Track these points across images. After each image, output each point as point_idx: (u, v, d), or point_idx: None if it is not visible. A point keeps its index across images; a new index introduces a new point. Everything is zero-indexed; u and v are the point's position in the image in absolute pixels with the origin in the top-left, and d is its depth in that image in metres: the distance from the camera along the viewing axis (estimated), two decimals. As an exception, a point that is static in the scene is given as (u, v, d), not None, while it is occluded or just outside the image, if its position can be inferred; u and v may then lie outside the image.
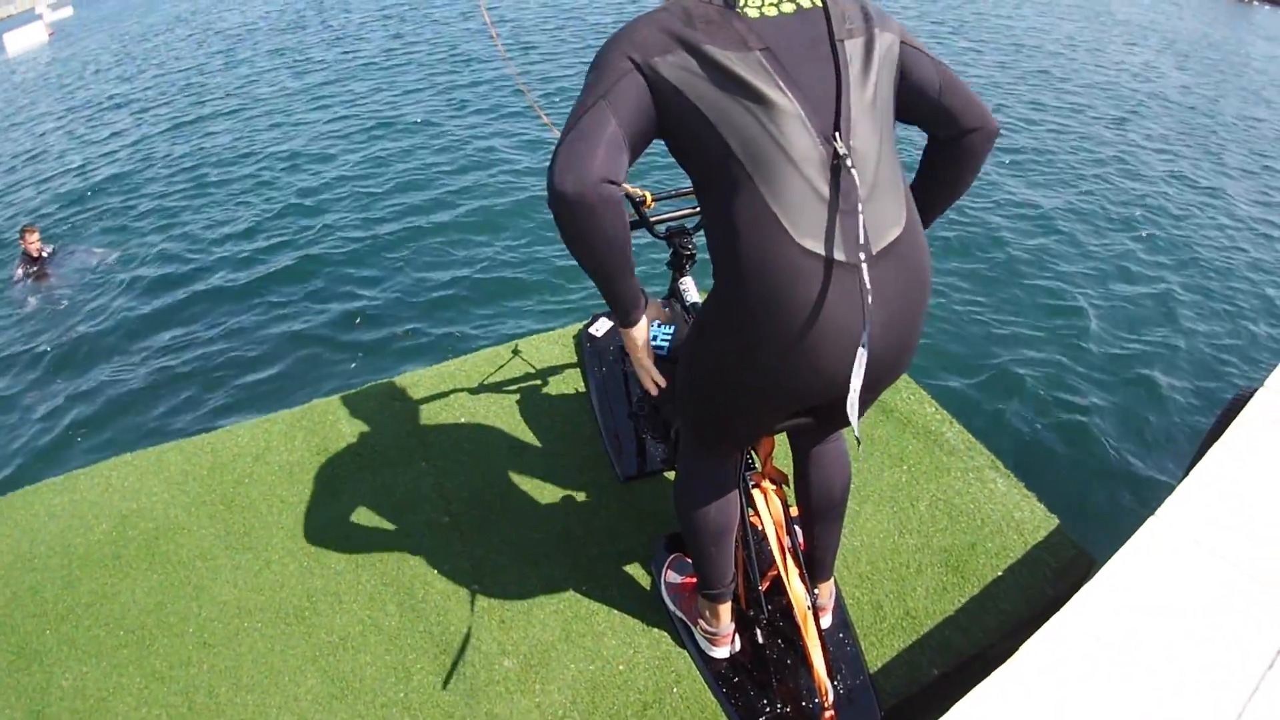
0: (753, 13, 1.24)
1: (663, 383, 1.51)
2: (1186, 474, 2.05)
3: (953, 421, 2.59)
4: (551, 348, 2.91)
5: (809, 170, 1.20)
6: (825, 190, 1.21)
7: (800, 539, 1.86)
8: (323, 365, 4.14)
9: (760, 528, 1.85)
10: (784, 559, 1.74)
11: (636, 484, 2.37)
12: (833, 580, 1.94)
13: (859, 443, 1.86)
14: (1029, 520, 2.25)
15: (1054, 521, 2.25)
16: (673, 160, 1.31)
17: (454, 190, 6.10)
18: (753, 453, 1.87)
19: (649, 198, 1.96)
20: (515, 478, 2.40)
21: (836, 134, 1.21)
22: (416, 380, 2.75)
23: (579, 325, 2.98)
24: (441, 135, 7.22)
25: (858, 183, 1.20)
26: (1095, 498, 3.44)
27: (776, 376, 1.29)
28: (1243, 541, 1.81)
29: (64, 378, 4.40)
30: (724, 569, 1.74)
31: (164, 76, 11.00)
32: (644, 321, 1.43)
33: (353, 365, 4.06)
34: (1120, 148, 7.42)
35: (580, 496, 2.35)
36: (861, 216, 1.20)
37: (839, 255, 1.20)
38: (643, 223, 1.94)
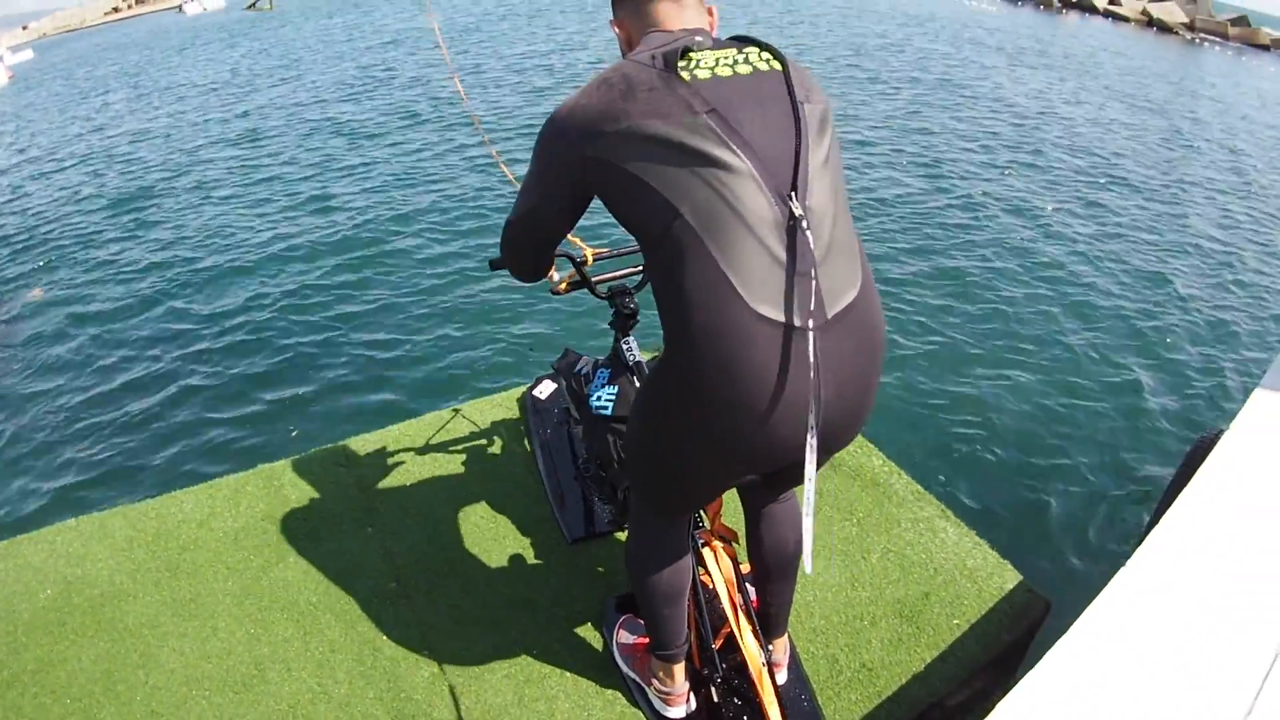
0: (702, 74, 1.23)
1: None
2: (1156, 521, 2.07)
3: (901, 473, 2.63)
4: (495, 410, 2.91)
5: (763, 232, 1.18)
6: (781, 253, 1.18)
7: (753, 595, 1.86)
8: (264, 430, 4.09)
9: (711, 585, 1.83)
10: (736, 616, 1.74)
11: (585, 545, 2.35)
12: (787, 636, 1.93)
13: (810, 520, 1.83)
14: (981, 567, 2.28)
15: (1006, 566, 2.28)
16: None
17: (395, 253, 6.13)
18: (701, 511, 1.88)
19: (589, 255, 1.93)
20: (463, 541, 2.37)
21: (793, 194, 1.20)
22: (361, 444, 2.73)
23: (522, 388, 3.00)
24: (385, 199, 7.27)
25: (812, 245, 1.18)
26: (1048, 541, 3.48)
27: (730, 442, 1.26)
28: (1215, 591, 1.82)
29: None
30: (677, 629, 1.72)
31: (114, 127, 11.05)
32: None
33: (293, 433, 4.01)
34: (1071, 193, 7.74)
35: (529, 559, 2.32)
36: (815, 281, 1.18)
37: (796, 321, 1.18)
38: (584, 282, 1.93)
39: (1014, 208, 7.21)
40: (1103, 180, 8.30)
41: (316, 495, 2.51)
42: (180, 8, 34.25)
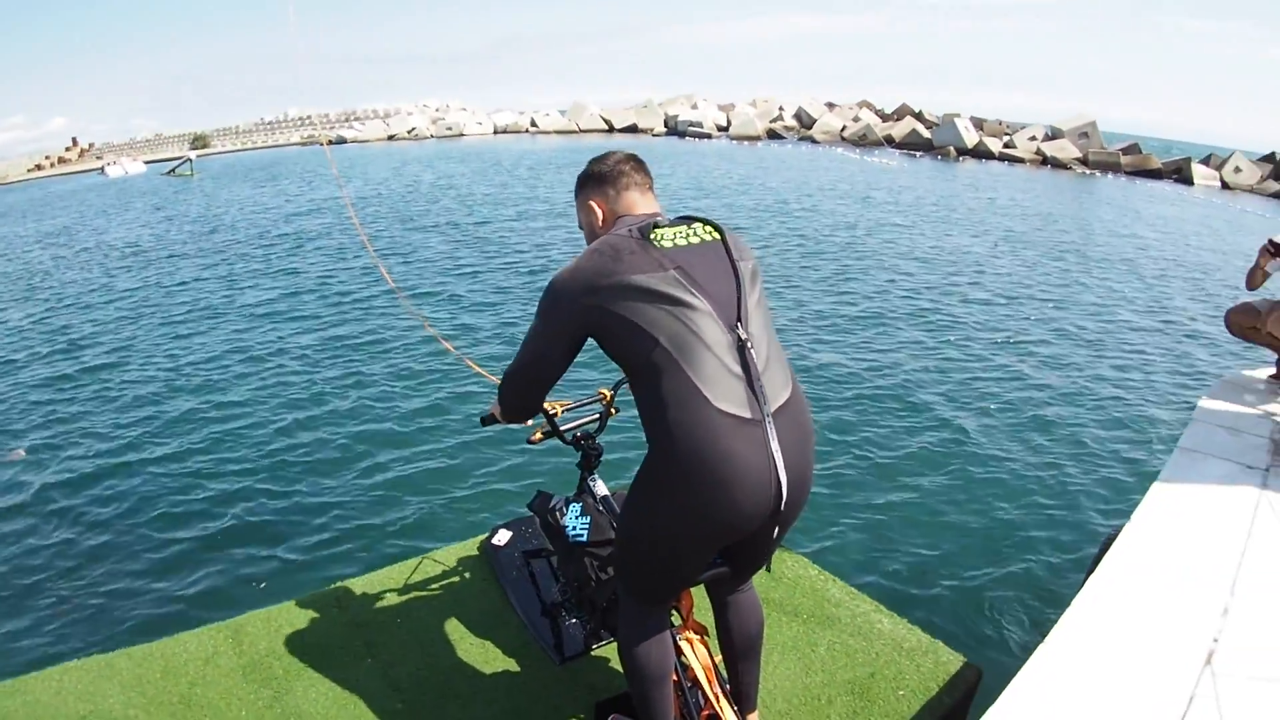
0: (666, 244, 1.71)
1: None
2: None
3: (835, 579, 3.03)
4: (461, 553, 3.18)
5: (720, 352, 1.61)
6: (735, 367, 1.62)
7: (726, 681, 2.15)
8: (233, 579, 4.15)
9: (691, 674, 2.09)
10: (718, 700, 2.01)
11: (570, 663, 2.60)
12: (757, 712, 2.20)
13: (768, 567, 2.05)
14: (917, 647, 2.66)
15: (939, 644, 2.67)
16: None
17: (348, 407, 6.41)
18: (675, 609, 2.18)
19: (559, 409, 2.35)
20: (458, 665, 2.58)
21: (739, 324, 1.66)
22: (345, 588, 2.93)
23: (480, 536, 3.28)
24: (331, 357, 7.64)
25: (755, 359, 1.64)
26: (972, 619, 3.92)
27: (706, 515, 1.61)
28: (1130, 656, 2.23)
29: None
30: (665, 710, 1.97)
31: (46, 289, 11.08)
32: None
33: (263, 585, 4.08)
34: (979, 321, 8.91)
35: (520, 677, 2.55)
36: (761, 384, 1.62)
37: (749, 414, 1.59)
38: (554, 432, 2.34)
39: (926, 337, 8.27)
40: (1003, 303, 9.70)
41: (315, 633, 2.68)
42: (102, 169, 34.29)
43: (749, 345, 1.65)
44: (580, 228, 2.00)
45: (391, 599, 2.88)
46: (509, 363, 1.89)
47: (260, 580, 4.13)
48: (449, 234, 13.93)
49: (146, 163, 36.06)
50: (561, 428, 2.35)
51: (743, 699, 2.11)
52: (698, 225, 1.81)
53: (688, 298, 1.64)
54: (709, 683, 2.02)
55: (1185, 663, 2.20)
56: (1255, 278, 4.48)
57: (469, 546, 3.22)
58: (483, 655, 2.64)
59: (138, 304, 9.93)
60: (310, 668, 2.53)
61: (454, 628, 2.76)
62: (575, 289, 1.69)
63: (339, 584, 2.96)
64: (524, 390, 1.89)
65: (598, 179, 1.92)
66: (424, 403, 6.50)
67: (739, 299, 1.70)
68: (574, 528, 2.29)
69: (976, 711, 2.57)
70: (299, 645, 2.63)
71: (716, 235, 1.80)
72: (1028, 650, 3.72)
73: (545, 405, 2.27)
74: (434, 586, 2.98)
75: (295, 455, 5.60)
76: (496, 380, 3.73)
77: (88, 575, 4.25)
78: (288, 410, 6.38)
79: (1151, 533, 2.89)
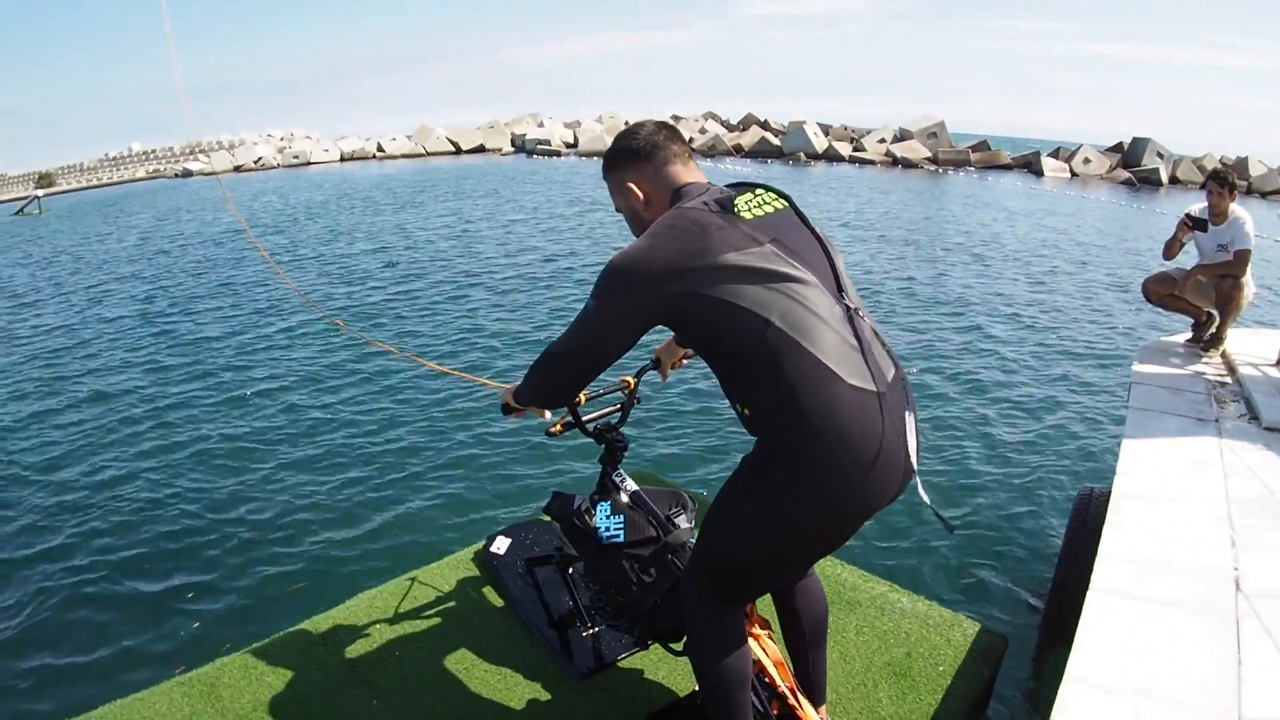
0: (747, 215, 1.54)
1: None
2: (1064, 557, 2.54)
3: (844, 563, 2.96)
4: (453, 570, 2.93)
5: (836, 325, 1.48)
6: (851, 338, 1.49)
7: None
8: (197, 623, 3.74)
9: (759, 666, 1.94)
10: (795, 694, 1.89)
11: (593, 677, 2.40)
12: (826, 705, 2.07)
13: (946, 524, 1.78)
14: (941, 622, 2.61)
15: (961, 617, 2.64)
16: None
17: (302, 429, 6.05)
18: None
19: (581, 397, 2.11)
20: (474, 695, 2.35)
21: (842, 293, 1.54)
22: (324, 622, 2.63)
23: (472, 547, 3.06)
24: (296, 366, 7.30)
25: (868, 328, 1.53)
26: (972, 584, 4.00)
27: (850, 501, 1.48)
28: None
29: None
30: (747, 714, 1.81)
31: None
32: None
33: (232, 627, 3.68)
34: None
35: (542, 698, 2.34)
36: (874, 355, 1.51)
37: (873, 386, 1.47)
38: (576, 423, 2.13)
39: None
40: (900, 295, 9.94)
41: (302, 677, 2.37)
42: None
43: (858, 313, 1.53)
44: (619, 211, 1.79)
45: (383, 628, 2.59)
46: (548, 343, 1.69)
47: (227, 621, 3.74)
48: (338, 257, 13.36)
49: (-11, 203, 33.20)
50: (584, 419, 2.15)
51: (814, 691, 1.99)
52: (762, 192, 1.66)
53: (793, 271, 1.49)
54: (783, 678, 1.89)
55: (1220, 595, 2.31)
56: (1172, 248, 4.77)
57: (461, 559, 2.97)
58: (499, 679, 2.40)
59: (67, 340, 9.18)
60: (312, 714, 2.23)
61: (460, 652, 2.51)
62: (654, 273, 1.49)
63: (319, 616, 2.64)
64: (568, 378, 1.70)
65: (630, 156, 1.73)
66: (382, 419, 6.21)
67: (833, 266, 1.58)
68: (607, 528, 2.11)
69: (1004, 676, 2.58)
70: (288, 694, 2.31)
71: (785, 202, 1.66)
72: (1034, 609, 3.80)
73: None
74: (428, 607, 2.71)
75: (251, 485, 5.19)
76: (459, 374, 3.49)
77: (23, 640, 3.75)
78: (229, 439, 5.93)
79: (1140, 486, 3.01)
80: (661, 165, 1.71)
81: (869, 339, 1.52)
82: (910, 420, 1.56)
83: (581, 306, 1.58)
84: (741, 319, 1.46)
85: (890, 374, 1.54)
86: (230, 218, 18.62)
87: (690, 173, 1.72)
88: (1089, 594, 2.33)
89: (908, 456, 1.52)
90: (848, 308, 1.53)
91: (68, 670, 3.50)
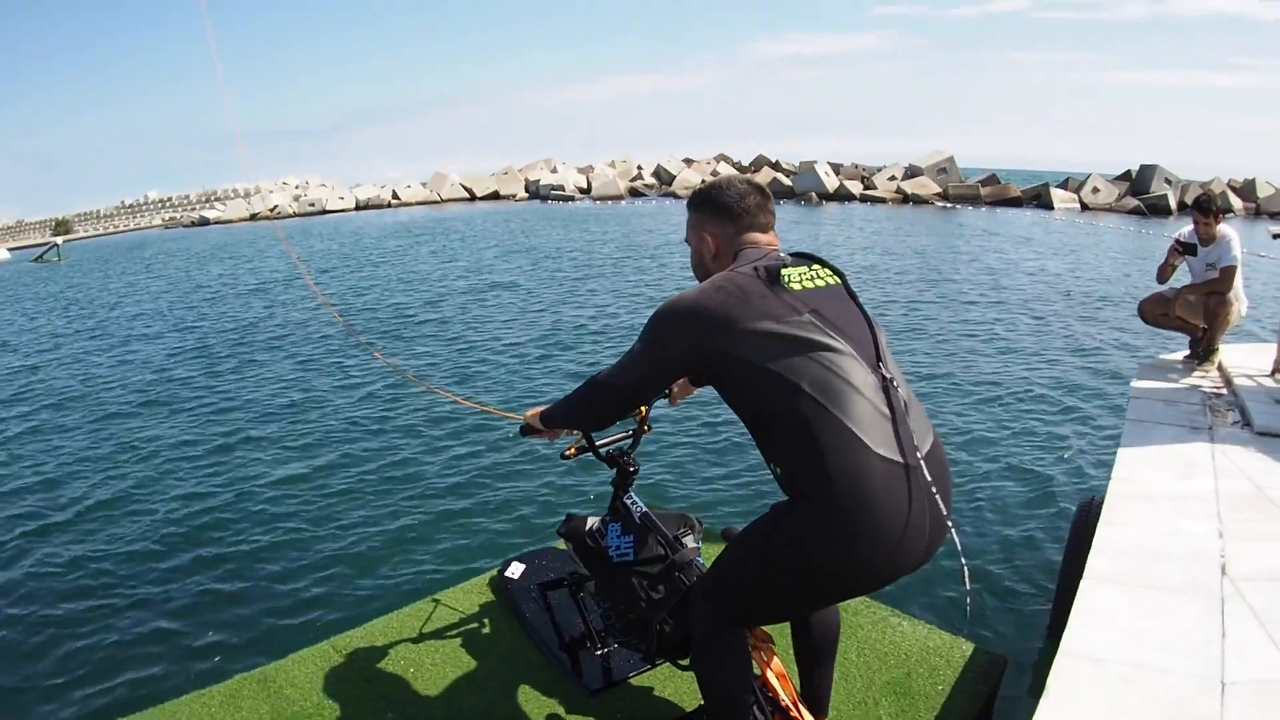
0: (795, 286, 1.63)
1: None
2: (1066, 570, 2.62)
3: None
4: (472, 595, 3.04)
5: (869, 394, 1.54)
6: (884, 408, 1.55)
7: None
8: (218, 639, 3.86)
9: (762, 679, 2.02)
10: (796, 707, 1.97)
11: (606, 694, 2.49)
12: (828, 718, 2.16)
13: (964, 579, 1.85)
14: (940, 645, 2.68)
15: (959, 639, 2.71)
16: None
17: (326, 459, 6.22)
18: None
19: None
20: (488, 711, 2.44)
21: (880, 364, 1.60)
22: (347, 641, 2.74)
23: (488, 573, 3.16)
24: (311, 400, 7.58)
25: (903, 399, 1.59)
26: (988, 609, 4.01)
27: (860, 568, 1.54)
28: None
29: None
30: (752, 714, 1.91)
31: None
32: None
33: (253, 644, 3.77)
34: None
35: (562, 715, 2.42)
36: (908, 424, 1.56)
37: (901, 458, 1.51)
38: (590, 448, 2.26)
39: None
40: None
41: (321, 694, 2.47)
42: (-37, 257, 32.16)
43: (894, 384, 1.60)
44: (686, 243, 1.91)
45: (402, 647, 2.69)
46: (589, 377, 1.83)
47: (250, 638, 3.83)
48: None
49: (10, 249, 34.20)
50: (597, 443, 2.27)
51: (818, 705, 2.06)
52: (817, 267, 1.75)
53: (828, 340, 1.57)
54: (785, 691, 1.98)
55: (1207, 578, 2.45)
56: (1165, 272, 4.89)
57: (477, 584, 3.07)
58: (512, 698, 2.49)
59: (99, 380, 9.48)
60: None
61: (475, 671, 2.61)
62: (696, 326, 1.61)
63: (339, 636, 2.75)
64: (606, 408, 1.84)
65: (718, 210, 1.83)
66: (402, 447, 6.40)
67: (875, 339, 1.65)
68: (617, 547, 2.21)
69: (1004, 696, 2.65)
70: (307, 709, 2.41)
71: (837, 279, 1.75)
72: (1035, 629, 3.83)
73: None
74: (445, 628, 2.81)
75: (277, 506, 5.36)
76: (478, 406, 3.62)
77: (51, 651, 3.86)
78: (254, 464, 6.13)
79: (1135, 487, 3.14)
80: (744, 230, 1.81)
81: (902, 410, 1.58)
82: (940, 495, 1.58)
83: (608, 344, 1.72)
84: (772, 382, 1.55)
85: (926, 446, 1.59)
86: (284, 261, 19.37)
87: (763, 236, 1.83)
88: (1083, 582, 2.43)
89: (934, 528, 1.57)
90: (884, 377, 1.59)
91: (89, 680, 3.59)
